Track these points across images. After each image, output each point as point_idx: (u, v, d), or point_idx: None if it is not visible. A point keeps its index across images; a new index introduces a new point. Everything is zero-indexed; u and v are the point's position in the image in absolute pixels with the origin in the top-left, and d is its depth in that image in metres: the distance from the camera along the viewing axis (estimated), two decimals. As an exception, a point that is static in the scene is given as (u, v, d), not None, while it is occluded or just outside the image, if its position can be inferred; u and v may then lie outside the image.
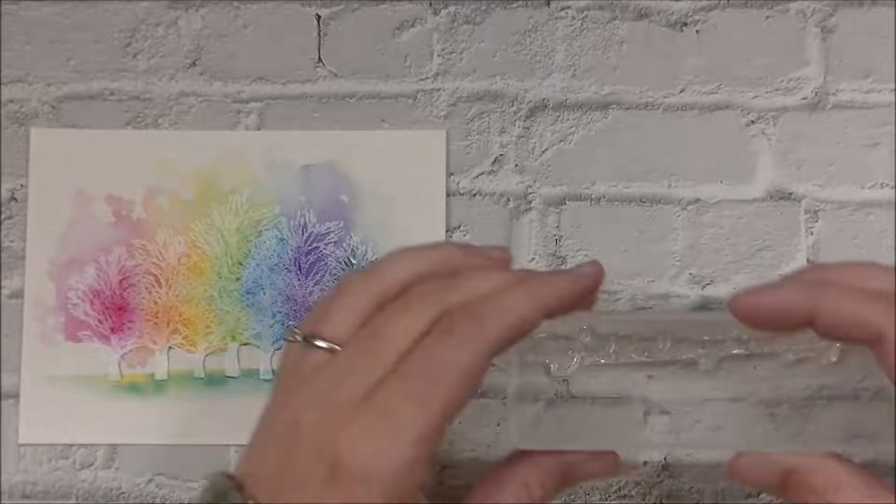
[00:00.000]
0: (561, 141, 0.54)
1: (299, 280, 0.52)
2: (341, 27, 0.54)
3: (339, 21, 0.54)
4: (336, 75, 0.54)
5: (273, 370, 0.51)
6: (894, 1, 0.55)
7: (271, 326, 0.52)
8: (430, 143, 0.53)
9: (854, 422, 0.53)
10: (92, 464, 0.52)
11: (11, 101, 0.54)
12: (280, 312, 0.52)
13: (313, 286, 0.52)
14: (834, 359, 0.52)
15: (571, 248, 0.53)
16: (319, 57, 0.54)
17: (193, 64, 0.54)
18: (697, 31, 0.55)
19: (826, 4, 0.55)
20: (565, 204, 0.53)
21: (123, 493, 0.52)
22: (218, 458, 0.52)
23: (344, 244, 0.52)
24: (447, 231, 0.53)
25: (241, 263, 0.52)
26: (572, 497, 0.52)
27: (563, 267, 0.52)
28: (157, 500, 0.52)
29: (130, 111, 0.54)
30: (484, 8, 0.55)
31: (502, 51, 0.54)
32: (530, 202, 0.53)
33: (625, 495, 0.52)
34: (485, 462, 0.52)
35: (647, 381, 0.53)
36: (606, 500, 0.52)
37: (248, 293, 0.52)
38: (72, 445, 0.52)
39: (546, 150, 0.54)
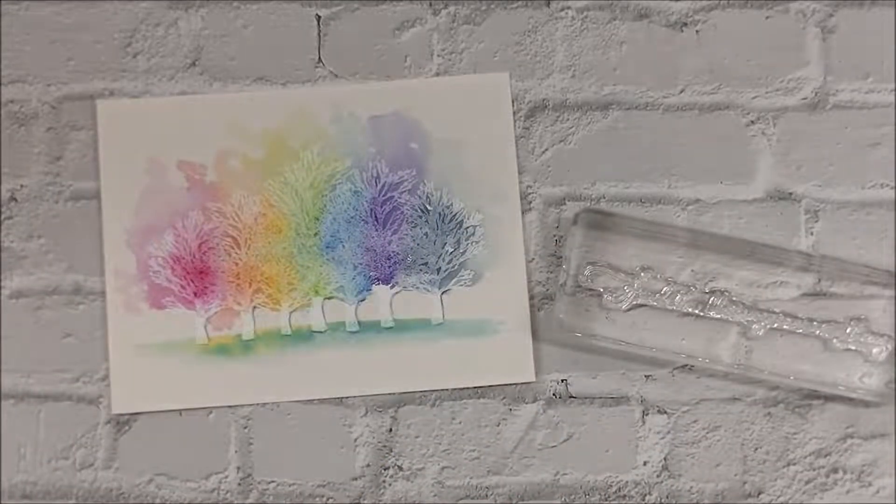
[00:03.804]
0: (561, 141, 0.54)
1: (377, 230, 0.52)
2: (341, 27, 0.54)
3: (339, 21, 0.54)
4: (336, 75, 0.54)
5: (358, 322, 0.52)
6: (894, 1, 0.55)
7: (353, 279, 0.52)
8: (493, 85, 0.54)
9: (851, 422, 0.53)
10: (92, 464, 0.53)
11: (11, 101, 0.54)
12: (361, 264, 0.52)
13: (391, 235, 0.52)
14: (881, 358, 0.52)
15: (571, 248, 0.53)
16: (319, 57, 0.54)
17: (193, 64, 0.54)
18: (697, 31, 0.55)
19: (826, 4, 0.55)
20: (565, 204, 0.53)
21: (123, 493, 0.52)
22: (219, 461, 0.52)
23: (418, 191, 0.52)
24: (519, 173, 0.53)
25: (317, 219, 0.52)
26: (572, 497, 0.52)
27: (563, 267, 0.52)
28: (157, 500, 0.52)
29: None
30: (484, 8, 0.55)
31: (502, 51, 0.54)
32: (530, 202, 0.53)
33: (625, 495, 0.52)
34: (485, 462, 0.52)
35: (644, 381, 0.53)
36: (606, 500, 0.52)
37: (327, 247, 0.52)
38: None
39: (546, 150, 0.54)
